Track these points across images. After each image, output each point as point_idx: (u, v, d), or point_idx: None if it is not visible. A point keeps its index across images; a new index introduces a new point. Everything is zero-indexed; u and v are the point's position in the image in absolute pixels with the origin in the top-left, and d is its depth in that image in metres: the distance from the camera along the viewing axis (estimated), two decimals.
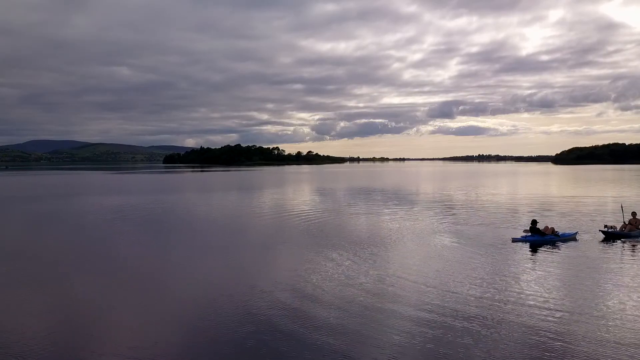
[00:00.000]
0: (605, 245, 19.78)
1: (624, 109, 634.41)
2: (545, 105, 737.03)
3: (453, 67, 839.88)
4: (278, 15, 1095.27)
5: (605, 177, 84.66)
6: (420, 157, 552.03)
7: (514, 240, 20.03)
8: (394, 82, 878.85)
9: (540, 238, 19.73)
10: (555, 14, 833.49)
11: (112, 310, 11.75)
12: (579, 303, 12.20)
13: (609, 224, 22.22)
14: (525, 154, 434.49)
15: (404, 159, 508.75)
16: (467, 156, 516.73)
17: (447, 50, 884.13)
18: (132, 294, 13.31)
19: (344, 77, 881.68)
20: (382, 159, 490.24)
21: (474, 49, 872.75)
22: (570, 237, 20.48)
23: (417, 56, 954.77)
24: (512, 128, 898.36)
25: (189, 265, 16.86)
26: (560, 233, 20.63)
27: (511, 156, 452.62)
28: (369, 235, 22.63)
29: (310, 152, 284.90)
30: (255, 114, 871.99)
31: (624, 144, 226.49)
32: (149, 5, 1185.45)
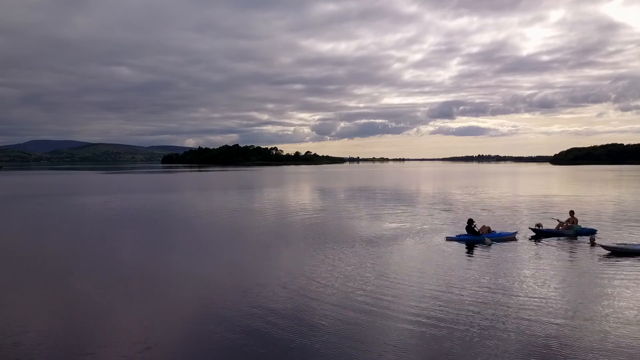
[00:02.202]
0: (537, 244, 19.85)
1: (625, 109, 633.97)
2: (546, 105, 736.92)
3: (453, 68, 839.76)
4: (278, 15, 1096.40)
5: (593, 177, 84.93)
6: (421, 158, 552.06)
7: (448, 239, 20.11)
8: (394, 83, 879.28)
9: (473, 237, 19.78)
10: (556, 14, 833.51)
11: (111, 310, 11.72)
12: (488, 298, 12.43)
13: (539, 223, 22.36)
14: (526, 155, 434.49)
15: (403, 159, 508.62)
16: (467, 156, 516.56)
17: (447, 51, 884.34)
18: (130, 293, 13.30)
19: (344, 77, 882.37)
20: (382, 159, 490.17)
21: (475, 49, 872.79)
22: (509, 237, 20.45)
23: (418, 56, 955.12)
24: (513, 128, 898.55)
25: (187, 263, 16.88)
26: (497, 232, 20.65)
27: (511, 156, 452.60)
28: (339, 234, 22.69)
29: (308, 152, 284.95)
30: (255, 114, 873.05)
31: (622, 144, 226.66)
32: (149, 5, 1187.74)
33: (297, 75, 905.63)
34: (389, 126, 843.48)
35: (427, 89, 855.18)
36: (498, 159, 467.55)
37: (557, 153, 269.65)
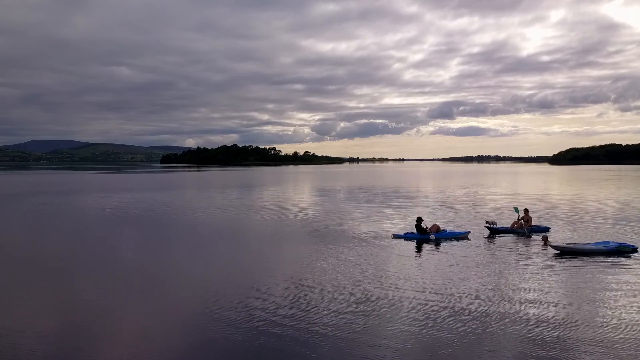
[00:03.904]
0: (488, 243, 19.89)
1: (625, 109, 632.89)
2: (546, 106, 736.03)
3: (454, 68, 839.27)
4: (278, 15, 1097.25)
5: (583, 176, 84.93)
6: (421, 158, 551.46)
7: (395, 236, 20.16)
8: (394, 83, 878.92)
9: (420, 235, 19.85)
10: (556, 15, 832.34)
11: (110, 310, 11.75)
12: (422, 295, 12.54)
13: (491, 220, 22.42)
14: (525, 155, 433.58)
15: (403, 160, 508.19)
16: (467, 157, 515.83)
17: (448, 51, 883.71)
18: (129, 293, 13.33)
19: (344, 77, 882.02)
20: (382, 160, 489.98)
21: (475, 50, 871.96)
22: (461, 236, 20.46)
23: (418, 56, 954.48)
24: (513, 129, 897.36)
25: (186, 262, 16.93)
26: (448, 231, 20.67)
27: (511, 157, 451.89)
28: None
29: (307, 152, 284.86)
30: (255, 114, 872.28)
31: (620, 145, 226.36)
32: (149, 5, 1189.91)
33: (297, 75, 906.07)
34: (389, 126, 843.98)
35: (427, 89, 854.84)
36: (498, 159, 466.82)
37: (555, 153, 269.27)
